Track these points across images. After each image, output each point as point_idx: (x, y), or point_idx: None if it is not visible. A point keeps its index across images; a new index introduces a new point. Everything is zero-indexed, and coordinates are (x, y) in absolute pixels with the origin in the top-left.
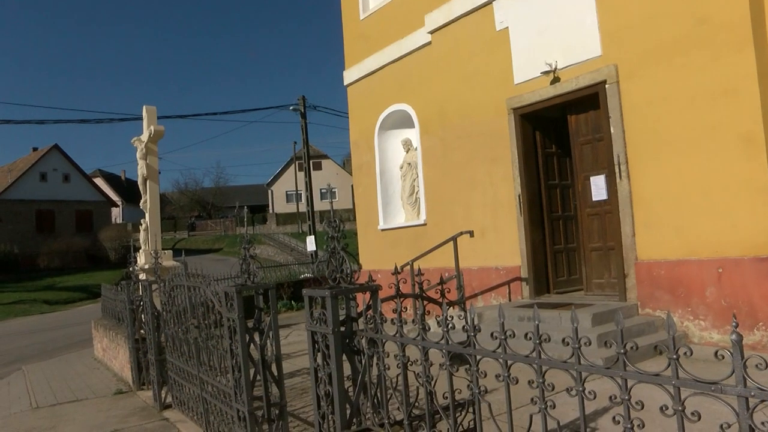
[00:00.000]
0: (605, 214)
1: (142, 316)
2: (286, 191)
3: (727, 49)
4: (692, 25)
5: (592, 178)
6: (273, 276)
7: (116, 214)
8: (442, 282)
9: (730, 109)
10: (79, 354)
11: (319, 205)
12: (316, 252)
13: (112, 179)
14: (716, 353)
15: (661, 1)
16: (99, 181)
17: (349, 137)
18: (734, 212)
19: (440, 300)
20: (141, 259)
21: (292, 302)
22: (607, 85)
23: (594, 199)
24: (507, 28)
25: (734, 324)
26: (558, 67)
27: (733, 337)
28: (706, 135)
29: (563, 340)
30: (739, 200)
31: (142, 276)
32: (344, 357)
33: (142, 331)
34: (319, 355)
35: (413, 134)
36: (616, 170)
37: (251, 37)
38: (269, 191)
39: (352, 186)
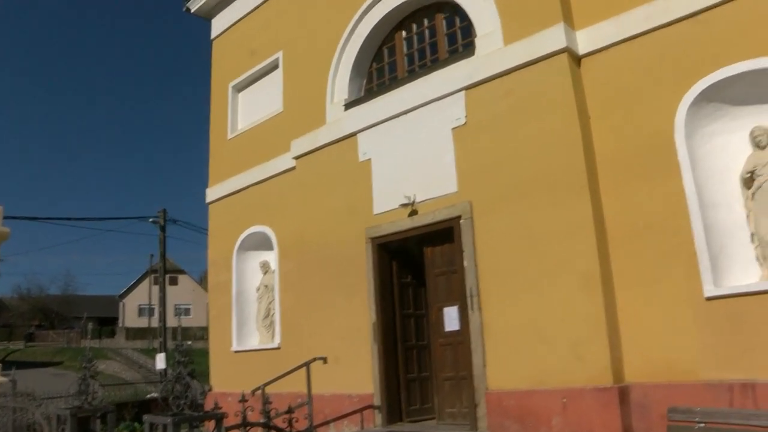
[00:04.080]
0: (458, 345)
1: None
2: (139, 305)
3: (567, 194)
4: (537, 170)
5: (445, 309)
6: (116, 395)
7: None
8: (290, 410)
9: (571, 248)
10: None
11: (173, 321)
12: (165, 370)
13: None
14: None
15: (511, 147)
16: None
17: (207, 254)
18: (576, 344)
19: (287, 429)
20: None
21: (136, 424)
22: (461, 221)
23: (447, 329)
24: (370, 159)
25: None
26: (416, 200)
27: None
28: (550, 271)
29: None
30: (580, 333)
31: None
32: None
33: None
34: None
35: (272, 257)
36: (469, 302)
37: (111, 144)
38: (121, 303)
39: (207, 303)
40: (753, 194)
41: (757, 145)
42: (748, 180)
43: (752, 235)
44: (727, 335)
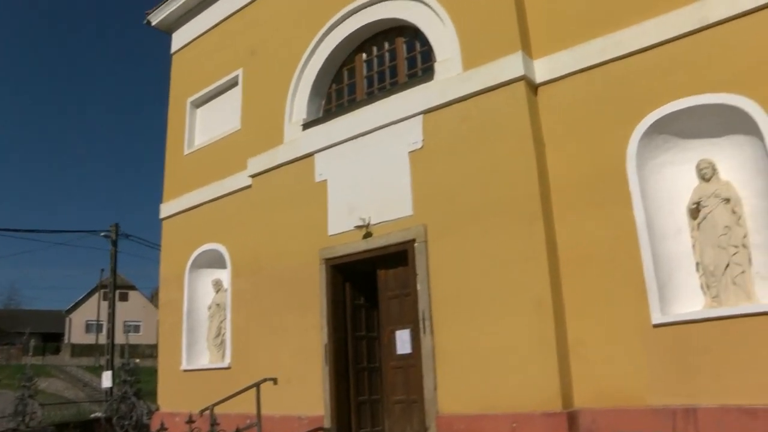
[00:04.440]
0: (409, 368)
1: None
2: (87, 321)
3: (521, 220)
4: (492, 196)
5: (397, 332)
6: (57, 415)
7: None
8: None
9: (524, 274)
10: None
11: (122, 339)
12: (112, 389)
13: None
14: None
15: (467, 172)
16: None
17: (159, 271)
18: (527, 369)
19: None
20: None
21: None
22: (416, 244)
23: (398, 352)
24: (326, 180)
25: None
26: (371, 222)
27: None
28: (503, 296)
29: None
30: (531, 358)
31: None
32: None
33: None
34: None
35: (225, 275)
36: (421, 325)
37: (62, 155)
38: (68, 319)
39: (158, 321)
40: (699, 224)
41: (703, 177)
42: (694, 211)
43: (697, 264)
44: (673, 361)
